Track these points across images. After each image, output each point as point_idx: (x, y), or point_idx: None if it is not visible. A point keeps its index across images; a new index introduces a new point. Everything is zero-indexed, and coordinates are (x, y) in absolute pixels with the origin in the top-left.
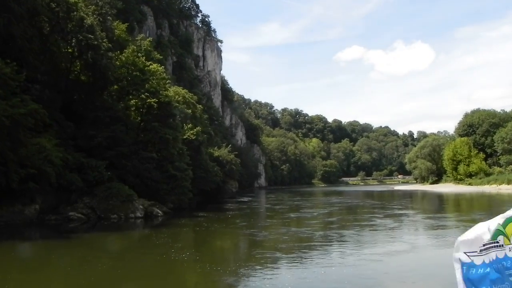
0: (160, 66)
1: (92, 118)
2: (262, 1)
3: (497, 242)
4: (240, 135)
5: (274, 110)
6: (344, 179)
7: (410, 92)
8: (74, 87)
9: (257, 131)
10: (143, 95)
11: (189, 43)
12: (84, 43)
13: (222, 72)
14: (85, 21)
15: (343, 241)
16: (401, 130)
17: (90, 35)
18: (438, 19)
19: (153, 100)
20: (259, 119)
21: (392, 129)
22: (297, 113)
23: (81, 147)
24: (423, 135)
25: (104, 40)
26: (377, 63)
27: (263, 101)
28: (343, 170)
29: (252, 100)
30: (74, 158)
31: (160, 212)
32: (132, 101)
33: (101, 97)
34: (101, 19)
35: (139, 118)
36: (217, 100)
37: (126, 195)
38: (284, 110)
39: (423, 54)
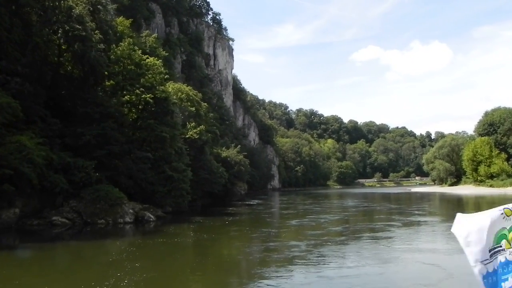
0: (158, 60)
1: (81, 114)
2: (277, 2)
3: (500, 246)
4: (253, 136)
5: (288, 111)
6: (360, 180)
7: (427, 93)
8: (62, 82)
9: (271, 131)
10: (138, 90)
11: (199, 42)
12: (71, 34)
13: (234, 71)
14: (73, 10)
15: (348, 264)
16: (419, 130)
17: (78, 26)
18: (456, 19)
19: (148, 95)
20: (273, 119)
21: (409, 129)
22: (312, 114)
23: (69, 145)
24: (441, 136)
25: (95, 32)
26: (394, 64)
27: (277, 102)
28: (359, 172)
29: (266, 101)
30: (60, 157)
31: (152, 217)
32: (126, 97)
33: (93, 93)
34: (91, 8)
35: (134, 115)
36: (228, 99)
37: (115, 198)
38: (299, 110)
39: (441, 54)
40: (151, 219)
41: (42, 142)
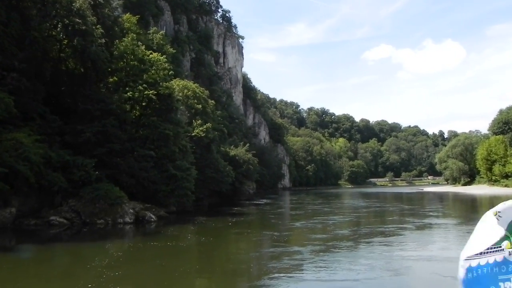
0: (162, 56)
1: (82, 111)
2: (289, 1)
3: (500, 247)
4: (263, 135)
5: (300, 110)
6: (372, 180)
7: (440, 92)
8: (62, 78)
9: (281, 130)
10: (140, 87)
11: (208, 39)
12: (71, 28)
13: (245, 70)
14: (73, 4)
15: (355, 276)
16: (431, 130)
17: (78, 20)
18: (469, 17)
19: (151, 92)
20: (284, 118)
21: (421, 128)
22: (323, 113)
23: (69, 143)
24: (454, 135)
25: (97, 27)
26: (406, 62)
27: (288, 101)
28: (370, 171)
29: (277, 100)
30: (58, 155)
31: (153, 217)
32: (128, 93)
33: (95, 89)
34: (92, 2)
35: (137, 113)
36: (238, 98)
37: (115, 197)
38: (310, 109)
39: (453, 52)
40: (152, 219)
41: (40, 140)
